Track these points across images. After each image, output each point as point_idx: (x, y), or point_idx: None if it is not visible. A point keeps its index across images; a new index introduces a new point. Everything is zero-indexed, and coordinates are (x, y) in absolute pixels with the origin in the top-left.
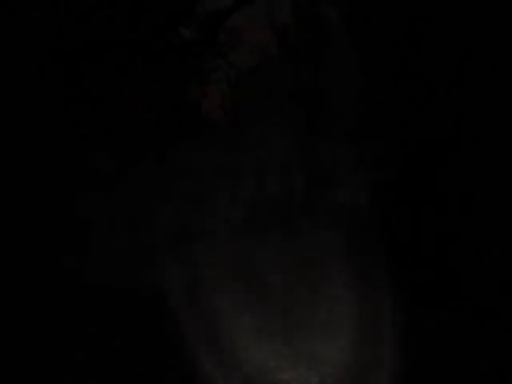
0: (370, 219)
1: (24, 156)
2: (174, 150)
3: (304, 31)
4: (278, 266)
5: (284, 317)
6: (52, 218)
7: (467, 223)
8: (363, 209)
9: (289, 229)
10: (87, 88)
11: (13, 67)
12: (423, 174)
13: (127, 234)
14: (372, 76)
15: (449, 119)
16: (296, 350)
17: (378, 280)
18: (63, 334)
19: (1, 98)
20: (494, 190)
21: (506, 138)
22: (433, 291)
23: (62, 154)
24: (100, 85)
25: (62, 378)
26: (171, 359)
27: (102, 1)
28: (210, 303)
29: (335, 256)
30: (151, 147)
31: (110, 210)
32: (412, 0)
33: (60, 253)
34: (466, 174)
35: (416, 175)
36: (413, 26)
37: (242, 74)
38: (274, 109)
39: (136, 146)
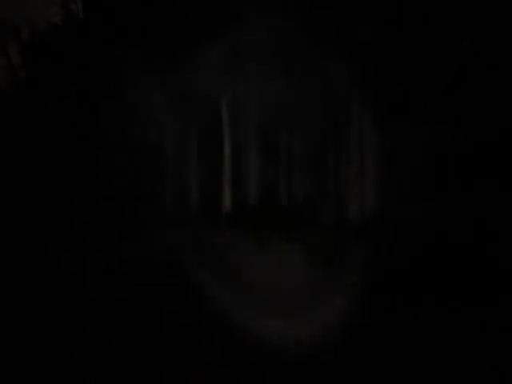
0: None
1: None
2: None
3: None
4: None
5: None
6: (51, 220)
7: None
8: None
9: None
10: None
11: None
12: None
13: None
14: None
15: None
16: None
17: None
18: (63, 333)
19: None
20: None
21: None
22: (433, 291)
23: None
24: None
25: (62, 378)
26: (171, 359)
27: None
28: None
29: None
30: None
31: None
32: None
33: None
34: None
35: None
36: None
37: None
38: None
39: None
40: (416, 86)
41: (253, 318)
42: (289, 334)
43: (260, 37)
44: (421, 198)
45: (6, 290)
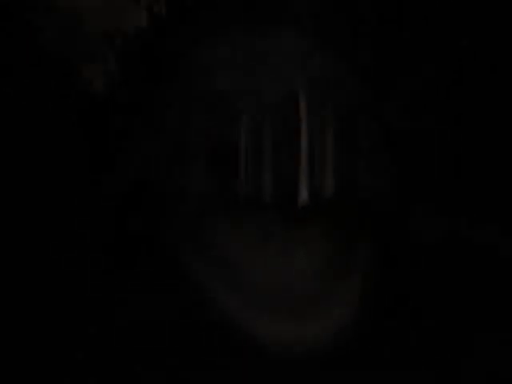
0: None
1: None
2: None
3: None
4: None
5: None
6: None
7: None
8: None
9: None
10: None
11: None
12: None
13: None
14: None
15: None
16: None
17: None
18: (63, 333)
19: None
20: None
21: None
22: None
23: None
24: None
25: (62, 378)
26: (171, 359)
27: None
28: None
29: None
30: None
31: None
32: None
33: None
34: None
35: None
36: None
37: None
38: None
39: None
40: (415, 86)
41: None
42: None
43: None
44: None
45: (5, 290)
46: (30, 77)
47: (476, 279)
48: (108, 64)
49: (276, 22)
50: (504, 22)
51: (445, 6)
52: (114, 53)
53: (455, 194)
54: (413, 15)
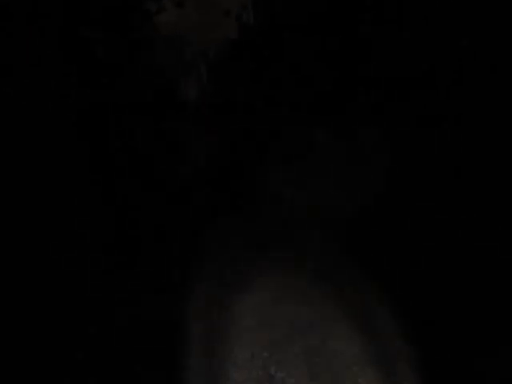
0: None
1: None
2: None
3: None
4: None
5: None
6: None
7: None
8: None
9: None
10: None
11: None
12: None
13: None
14: None
15: None
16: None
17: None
18: (63, 333)
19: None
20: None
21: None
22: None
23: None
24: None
25: (62, 378)
26: (171, 359)
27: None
28: None
29: None
30: None
31: None
32: None
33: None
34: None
35: None
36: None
37: (219, 49)
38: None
39: None
40: (415, 86)
41: None
42: None
43: None
44: None
45: (5, 290)
46: (31, 77)
47: (476, 281)
48: (201, 74)
49: None
50: (504, 21)
51: (445, 5)
52: (207, 63)
53: (454, 193)
54: (413, 15)
